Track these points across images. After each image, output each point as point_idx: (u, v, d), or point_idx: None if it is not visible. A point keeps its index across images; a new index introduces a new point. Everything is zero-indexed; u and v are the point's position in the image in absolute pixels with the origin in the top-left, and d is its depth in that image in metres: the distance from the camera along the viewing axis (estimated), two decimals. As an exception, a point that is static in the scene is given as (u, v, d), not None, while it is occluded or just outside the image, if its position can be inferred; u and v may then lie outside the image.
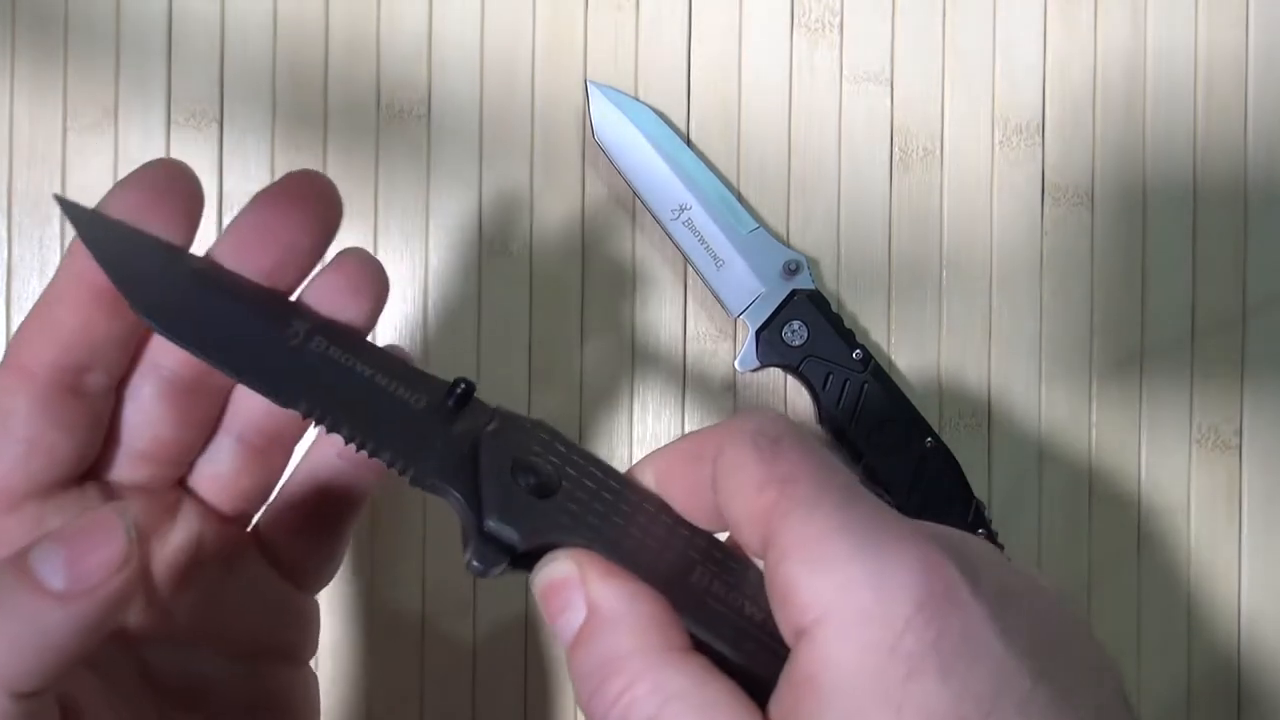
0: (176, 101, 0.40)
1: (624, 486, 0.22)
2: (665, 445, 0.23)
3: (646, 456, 0.23)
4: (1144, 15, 0.42)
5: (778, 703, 0.19)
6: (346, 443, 0.21)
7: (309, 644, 0.27)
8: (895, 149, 0.42)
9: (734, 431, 0.20)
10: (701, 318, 0.41)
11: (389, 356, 0.23)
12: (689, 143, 0.41)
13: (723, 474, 0.20)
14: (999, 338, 0.41)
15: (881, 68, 0.42)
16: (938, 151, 0.42)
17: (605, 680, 0.19)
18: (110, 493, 0.23)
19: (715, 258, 0.39)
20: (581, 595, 0.20)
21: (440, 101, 0.41)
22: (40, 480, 0.22)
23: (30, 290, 0.40)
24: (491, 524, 0.20)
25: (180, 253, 0.22)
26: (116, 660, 0.22)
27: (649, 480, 0.22)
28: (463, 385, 0.23)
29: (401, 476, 0.22)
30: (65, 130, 0.40)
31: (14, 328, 0.40)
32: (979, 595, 0.18)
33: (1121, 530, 0.41)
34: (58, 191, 0.40)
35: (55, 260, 0.40)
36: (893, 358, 0.41)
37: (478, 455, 0.21)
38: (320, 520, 0.26)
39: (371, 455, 0.22)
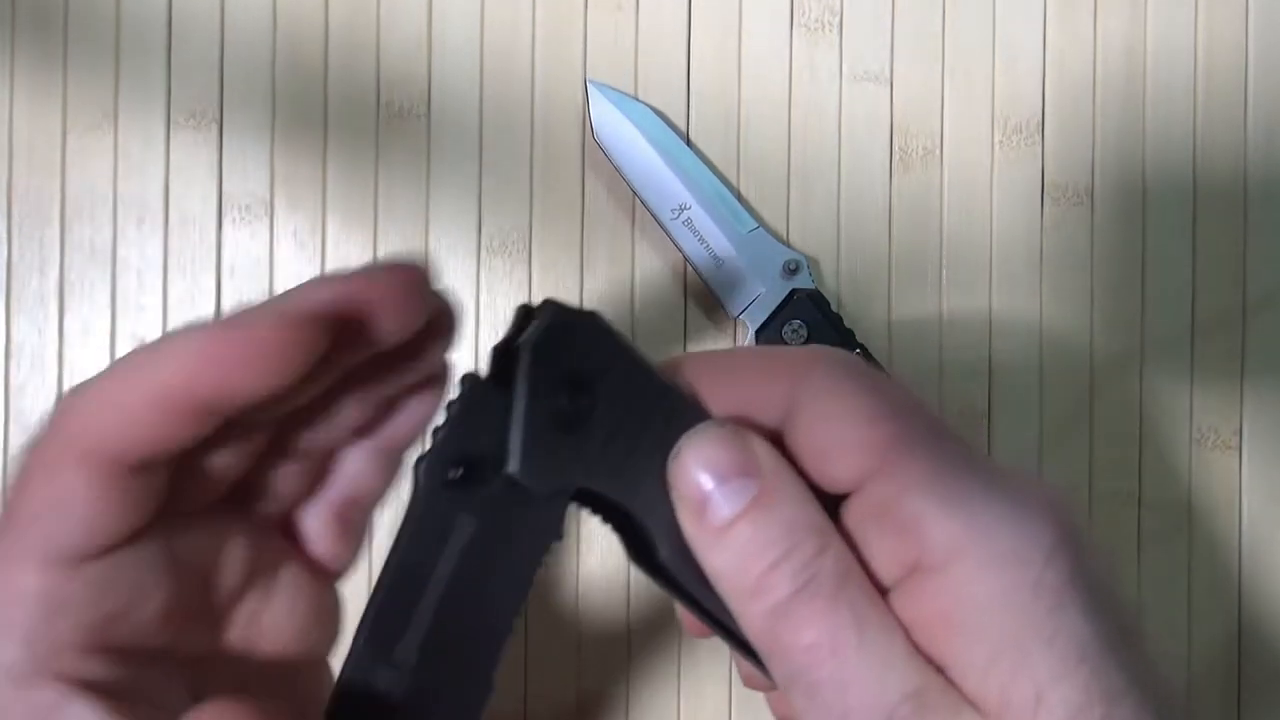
0: (176, 102, 0.40)
1: (668, 400, 0.20)
2: (715, 352, 0.21)
3: (691, 358, 0.21)
4: (1144, 14, 0.42)
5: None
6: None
7: (338, 635, 0.27)
8: (895, 148, 0.42)
9: (826, 358, 0.20)
10: (701, 318, 0.41)
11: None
12: (689, 143, 0.41)
13: (817, 396, 0.19)
14: (999, 337, 0.41)
15: (881, 67, 0.42)
16: (938, 151, 0.42)
17: (798, 544, 0.19)
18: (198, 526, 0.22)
19: (715, 258, 0.39)
20: (754, 462, 0.19)
21: (440, 101, 0.41)
22: (105, 542, 0.20)
23: (30, 290, 0.40)
24: (514, 467, 0.19)
25: None
26: (164, 686, 0.21)
27: (691, 378, 0.21)
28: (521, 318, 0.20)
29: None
30: (65, 131, 0.40)
31: (14, 328, 0.40)
32: (1088, 541, 0.18)
33: (1122, 530, 0.41)
34: (57, 192, 0.40)
35: (55, 260, 0.40)
36: (893, 358, 0.41)
37: (513, 378, 0.19)
38: (353, 513, 0.26)
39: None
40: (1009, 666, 0.17)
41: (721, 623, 0.20)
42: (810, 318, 0.39)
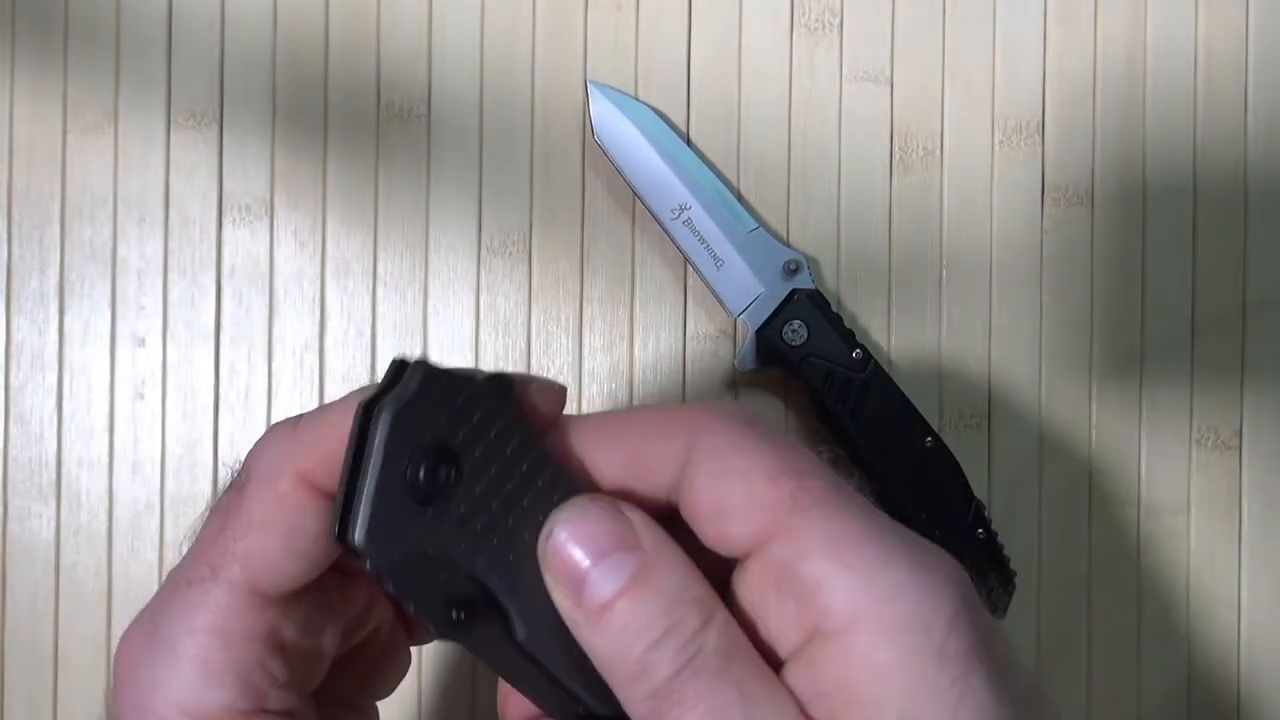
0: (176, 102, 0.40)
1: (545, 471, 0.19)
2: (606, 414, 0.20)
3: (580, 421, 0.20)
4: (1144, 14, 0.42)
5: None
6: None
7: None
8: (895, 149, 0.42)
9: (722, 413, 0.19)
10: (701, 318, 0.41)
11: None
12: (689, 143, 0.41)
13: (713, 454, 0.19)
14: (999, 337, 0.41)
15: (881, 68, 0.42)
16: (938, 151, 0.42)
17: (681, 620, 0.18)
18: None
19: (715, 258, 0.39)
20: (633, 536, 0.18)
21: (440, 101, 0.41)
22: (311, 578, 0.20)
23: (30, 290, 0.40)
24: (357, 539, 0.17)
25: None
26: None
27: (579, 444, 0.20)
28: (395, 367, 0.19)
29: None
30: (65, 131, 0.40)
31: (14, 328, 0.40)
32: (980, 602, 0.18)
33: (1121, 530, 0.41)
34: (57, 192, 0.40)
35: (55, 260, 0.40)
36: (893, 358, 0.41)
37: (365, 442, 0.18)
38: None
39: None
40: None
41: (585, 705, 0.19)
42: (810, 318, 0.39)
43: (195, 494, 0.40)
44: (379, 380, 0.19)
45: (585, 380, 0.41)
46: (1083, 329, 0.42)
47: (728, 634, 0.18)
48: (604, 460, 0.20)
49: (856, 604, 0.17)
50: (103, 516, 0.40)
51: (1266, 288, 0.42)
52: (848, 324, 0.40)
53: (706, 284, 0.40)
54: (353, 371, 0.40)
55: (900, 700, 0.17)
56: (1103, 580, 0.41)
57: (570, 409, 0.40)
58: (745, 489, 0.18)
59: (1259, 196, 0.42)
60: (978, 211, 0.42)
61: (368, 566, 0.18)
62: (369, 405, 0.18)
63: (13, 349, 0.40)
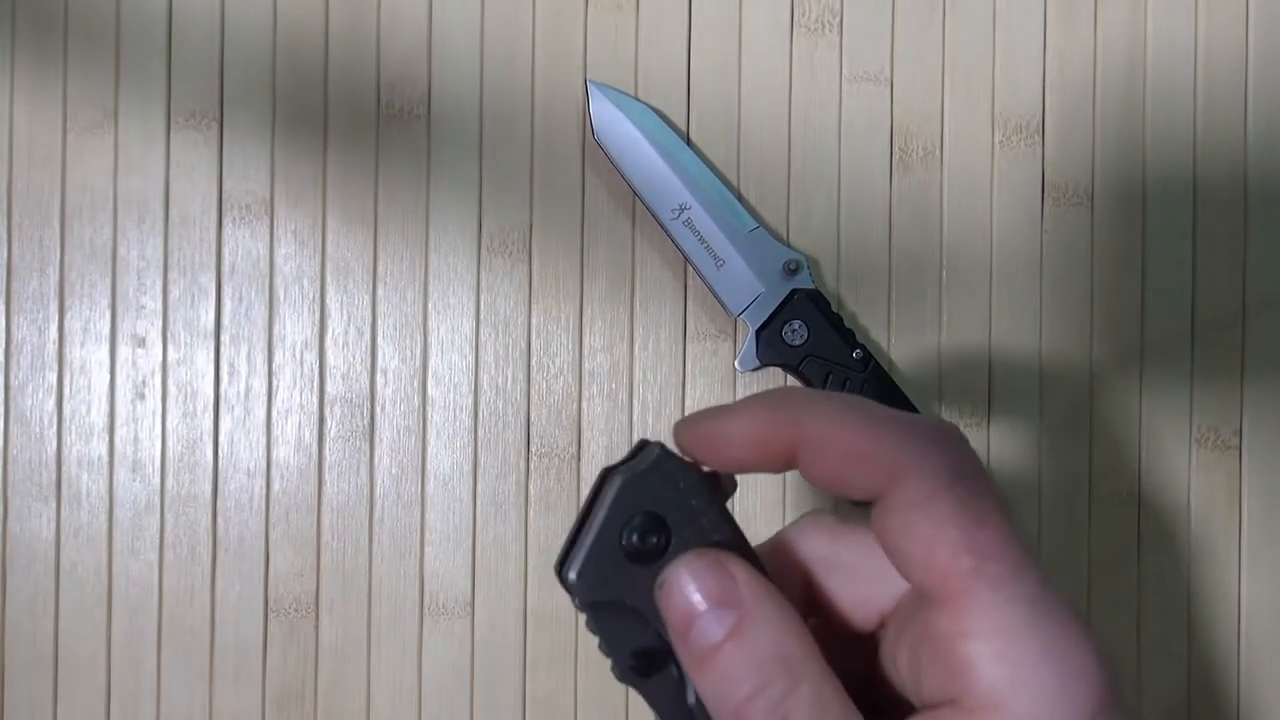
0: (176, 101, 0.40)
1: (745, 555, 0.21)
2: (838, 418, 0.21)
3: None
4: (1144, 14, 0.42)
5: None
6: None
7: None
8: (895, 149, 0.42)
9: (931, 464, 0.19)
10: (701, 318, 0.41)
11: None
12: (689, 143, 0.41)
13: (905, 509, 0.19)
14: (999, 337, 0.41)
15: (881, 68, 0.42)
16: (938, 151, 0.42)
17: (770, 681, 0.19)
18: None
19: (715, 257, 0.39)
20: (735, 592, 0.20)
21: (440, 101, 0.41)
22: None
23: (30, 290, 0.40)
24: (571, 576, 0.21)
25: None
26: None
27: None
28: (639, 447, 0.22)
29: None
30: (65, 131, 0.40)
31: (14, 328, 0.40)
32: (1122, 702, 0.19)
33: (1121, 530, 0.41)
34: (57, 192, 0.40)
35: (55, 260, 0.40)
36: (893, 357, 0.41)
37: (597, 496, 0.21)
38: None
39: None
40: None
41: None
42: (810, 318, 0.39)
43: (195, 494, 0.40)
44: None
45: (585, 380, 0.41)
46: (1083, 329, 0.42)
47: (819, 698, 0.19)
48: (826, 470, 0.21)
49: (1000, 695, 0.18)
50: (103, 516, 0.40)
51: (1266, 288, 0.42)
52: (848, 324, 0.40)
53: (706, 284, 0.40)
54: (353, 371, 0.40)
55: None
56: (1103, 580, 0.41)
57: (570, 408, 0.40)
58: (926, 553, 0.19)
59: (1259, 196, 0.42)
60: (978, 211, 0.42)
61: (575, 601, 0.21)
62: (607, 471, 0.21)
63: (13, 349, 0.40)
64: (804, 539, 0.22)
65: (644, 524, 0.21)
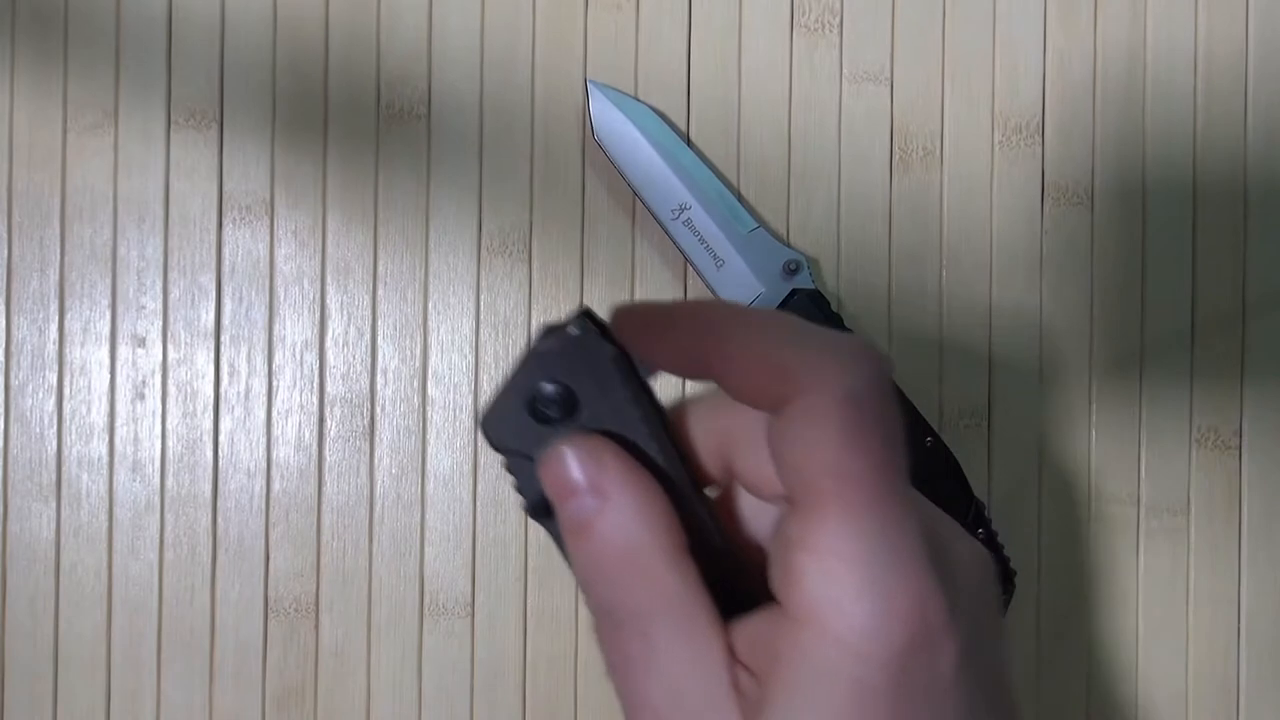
0: (176, 101, 0.40)
1: (652, 433, 0.22)
2: (748, 326, 0.22)
3: (709, 308, 0.22)
4: (1144, 15, 0.42)
5: (743, 636, 0.20)
6: None
7: None
8: (895, 149, 0.42)
9: (829, 378, 0.20)
10: (701, 318, 0.41)
11: None
12: (689, 143, 0.41)
13: (792, 422, 0.20)
14: (999, 337, 0.41)
15: (881, 68, 0.42)
16: (938, 151, 0.42)
17: (621, 573, 0.21)
18: None
19: (715, 258, 0.39)
20: (601, 480, 0.21)
21: (440, 101, 0.41)
22: None
23: (30, 290, 0.40)
24: (480, 419, 0.23)
25: None
26: None
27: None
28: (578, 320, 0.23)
29: None
30: (65, 131, 0.40)
31: (14, 328, 0.40)
32: (952, 641, 0.19)
33: (1121, 530, 0.41)
34: (57, 192, 0.40)
35: (55, 260, 0.40)
36: (893, 358, 0.41)
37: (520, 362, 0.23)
38: None
39: None
40: None
41: None
42: (810, 318, 0.39)
43: (195, 494, 0.40)
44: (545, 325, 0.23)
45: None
46: (1083, 329, 0.42)
47: (662, 586, 0.20)
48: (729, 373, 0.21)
49: (818, 612, 0.19)
50: (103, 516, 0.40)
51: (1266, 288, 0.42)
52: (848, 324, 0.40)
53: (706, 284, 0.40)
54: (353, 371, 0.40)
55: (803, 703, 0.19)
56: (1102, 580, 0.41)
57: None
58: (796, 464, 0.20)
59: (1259, 196, 0.42)
60: (978, 211, 0.42)
61: (491, 444, 0.23)
62: (546, 329, 0.22)
63: (13, 349, 0.40)
64: (728, 406, 0.22)
65: (554, 391, 0.22)
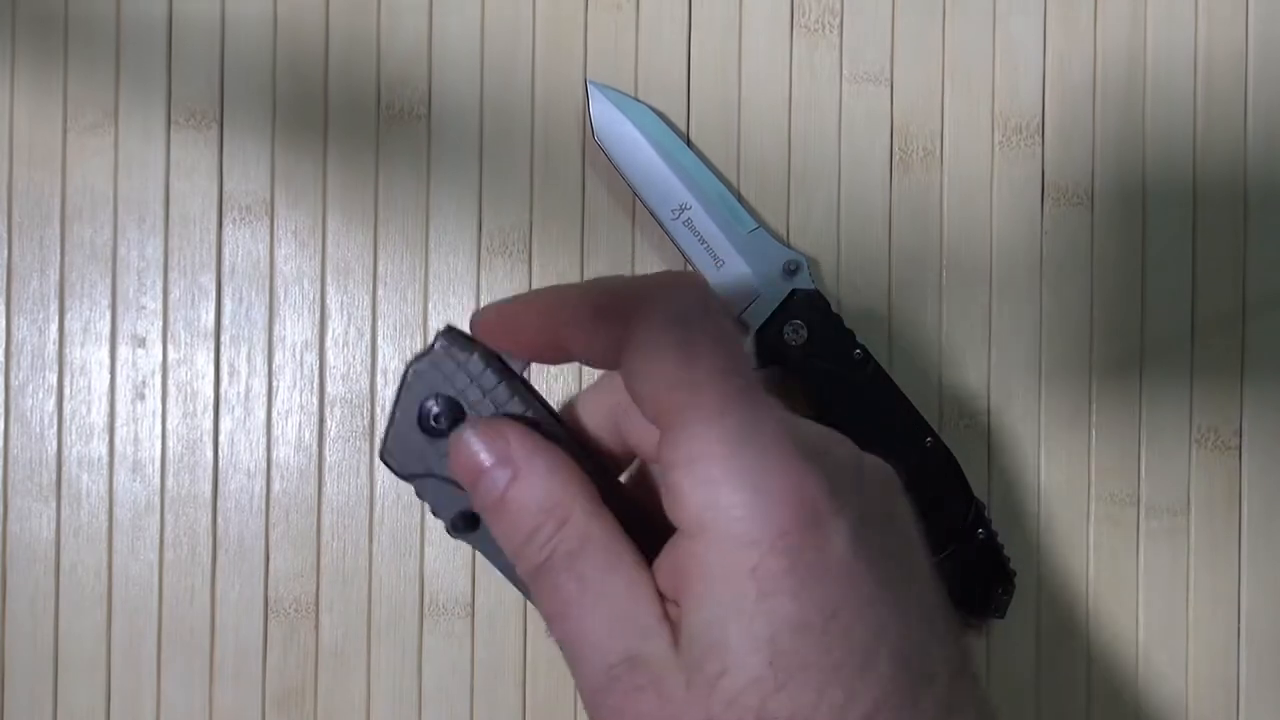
0: (176, 102, 0.40)
1: (538, 416, 0.23)
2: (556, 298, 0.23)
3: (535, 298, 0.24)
4: (1144, 15, 0.42)
5: (660, 573, 0.21)
6: None
7: None
8: (895, 149, 0.42)
9: (653, 309, 0.21)
10: (701, 318, 0.41)
11: None
12: (689, 143, 0.41)
13: (632, 355, 0.21)
14: (999, 337, 0.41)
15: (881, 68, 0.42)
16: (938, 151, 0.42)
17: (541, 524, 0.22)
18: None
19: (715, 258, 0.39)
20: (507, 452, 0.22)
21: (440, 101, 0.41)
22: None
23: (30, 290, 0.40)
24: (382, 453, 0.24)
25: None
26: None
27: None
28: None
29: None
30: (65, 130, 0.40)
31: (14, 328, 0.40)
32: (841, 518, 0.20)
33: (1121, 530, 0.41)
34: (57, 192, 0.40)
35: (55, 260, 0.40)
36: (893, 358, 0.41)
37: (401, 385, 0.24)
38: None
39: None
40: (713, 640, 0.20)
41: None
42: (810, 318, 0.39)
43: (195, 494, 0.40)
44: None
45: (585, 381, 0.41)
46: (1083, 329, 0.42)
47: (584, 533, 0.22)
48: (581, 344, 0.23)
49: (702, 517, 0.20)
50: (103, 516, 0.40)
51: (1266, 288, 0.42)
52: (848, 324, 0.40)
53: (706, 284, 0.40)
54: (353, 371, 0.40)
55: (713, 606, 0.20)
56: (1103, 580, 0.41)
57: (570, 409, 0.40)
58: (649, 391, 0.21)
59: (1259, 196, 0.42)
60: (978, 212, 0.42)
61: (397, 474, 0.24)
62: (409, 363, 0.24)
63: (13, 349, 0.40)
64: (611, 386, 0.24)
65: (438, 405, 0.23)
